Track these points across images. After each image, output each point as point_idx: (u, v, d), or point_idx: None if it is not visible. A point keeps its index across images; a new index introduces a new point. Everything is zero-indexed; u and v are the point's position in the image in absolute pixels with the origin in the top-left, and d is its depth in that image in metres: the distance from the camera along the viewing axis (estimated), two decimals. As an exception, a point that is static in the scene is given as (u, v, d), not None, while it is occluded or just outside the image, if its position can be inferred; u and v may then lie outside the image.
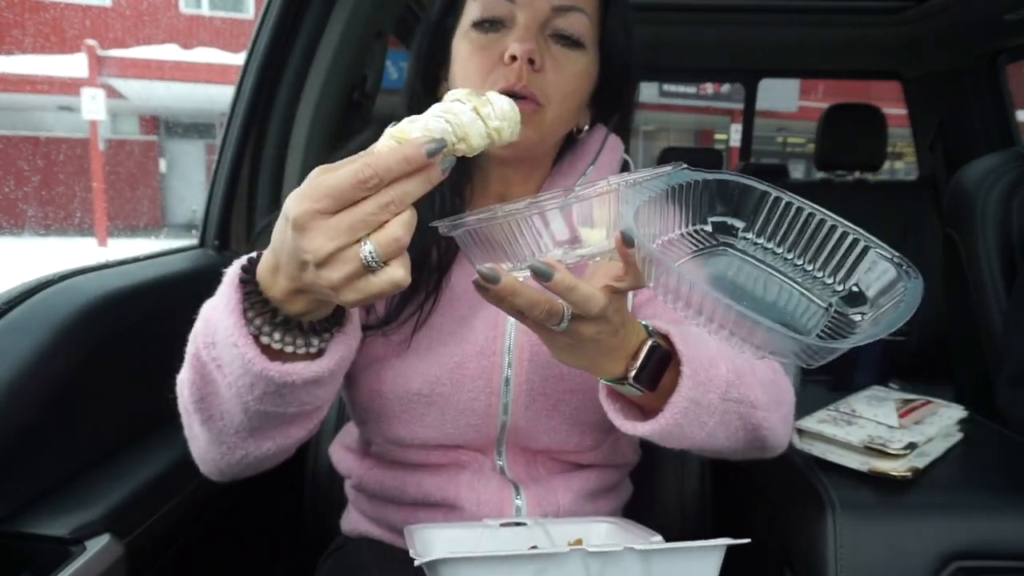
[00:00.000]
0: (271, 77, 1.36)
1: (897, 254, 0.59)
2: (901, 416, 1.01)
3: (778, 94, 11.18)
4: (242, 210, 1.38)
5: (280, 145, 1.42)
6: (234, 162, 1.34)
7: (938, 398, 1.12)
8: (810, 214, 0.61)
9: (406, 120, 0.54)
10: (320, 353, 0.62)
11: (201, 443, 0.70)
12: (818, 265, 0.62)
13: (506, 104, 0.58)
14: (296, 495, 1.20)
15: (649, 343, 0.67)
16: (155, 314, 0.98)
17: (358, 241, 0.51)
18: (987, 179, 1.37)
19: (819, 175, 2.92)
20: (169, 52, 9.07)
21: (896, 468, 0.89)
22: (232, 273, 0.60)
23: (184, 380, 0.67)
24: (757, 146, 3.51)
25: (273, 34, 1.33)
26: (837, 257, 0.61)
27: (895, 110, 2.97)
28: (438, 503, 0.86)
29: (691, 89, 13.28)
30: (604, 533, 0.81)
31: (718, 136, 14.43)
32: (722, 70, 3.45)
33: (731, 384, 0.70)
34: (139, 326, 0.95)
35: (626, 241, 0.56)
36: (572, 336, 0.63)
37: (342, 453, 0.98)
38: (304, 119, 1.43)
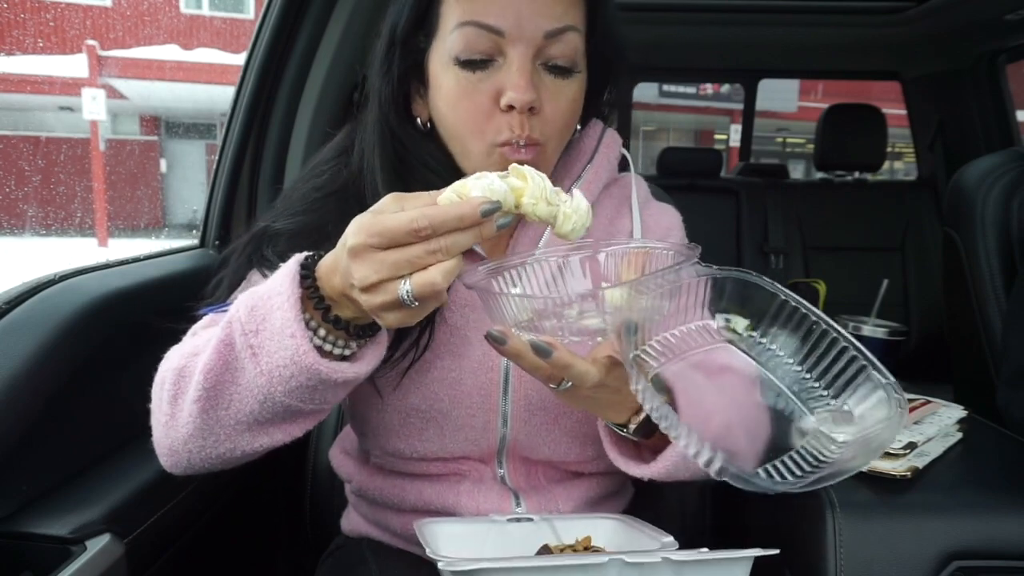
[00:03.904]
0: (271, 77, 1.36)
1: (892, 380, 0.60)
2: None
3: (778, 94, 11.17)
4: (242, 210, 1.38)
5: (280, 145, 1.42)
6: (234, 162, 1.35)
7: (938, 398, 1.12)
8: (815, 323, 0.63)
9: (472, 177, 0.58)
10: (351, 356, 0.65)
11: (181, 433, 0.67)
12: (815, 376, 0.64)
13: (584, 205, 0.62)
14: (296, 495, 1.20)
15: None
16: (156, 314, 0.98)
17: (401, 277, 0.56)
18: (987, 179, 1.37)
19: (819, 175, 2.92)
20: (169, 52, 9.06)
21: (896, 468, 0.88)
22: (291, 267, 0.62)
23: (198, 366, 0.65)
24: (757, 146, 3.51)
25: (273, 34, 1.33)
26: (834, 372, 0.63)
27: (895, 110, 2.97)
28: (438, 511, 0.86)
29: (691, 89, 13.27)
30: (611, 530, 0.81)
31: (718, 136, 14.42)
32: (722, 70, 3.45)
33: (720, 437, 0.74)
34: (140, 326, 0.95)
35: (625, 330, 0.61)
36: (571, 393, 0.68)
37: (342, 458, 0.98)
38: (304, 119, 1.43)
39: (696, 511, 1.15)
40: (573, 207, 0.61)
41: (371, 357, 0.66)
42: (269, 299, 0.62)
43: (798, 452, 0.62)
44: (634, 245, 0.68)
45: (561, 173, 0.88)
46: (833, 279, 2.26)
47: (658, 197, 1.04)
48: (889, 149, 2.81)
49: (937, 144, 2.73)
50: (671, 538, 0.73)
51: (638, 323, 0.62)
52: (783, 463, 0.62)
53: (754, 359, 0.68)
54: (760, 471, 0.60)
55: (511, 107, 0.73)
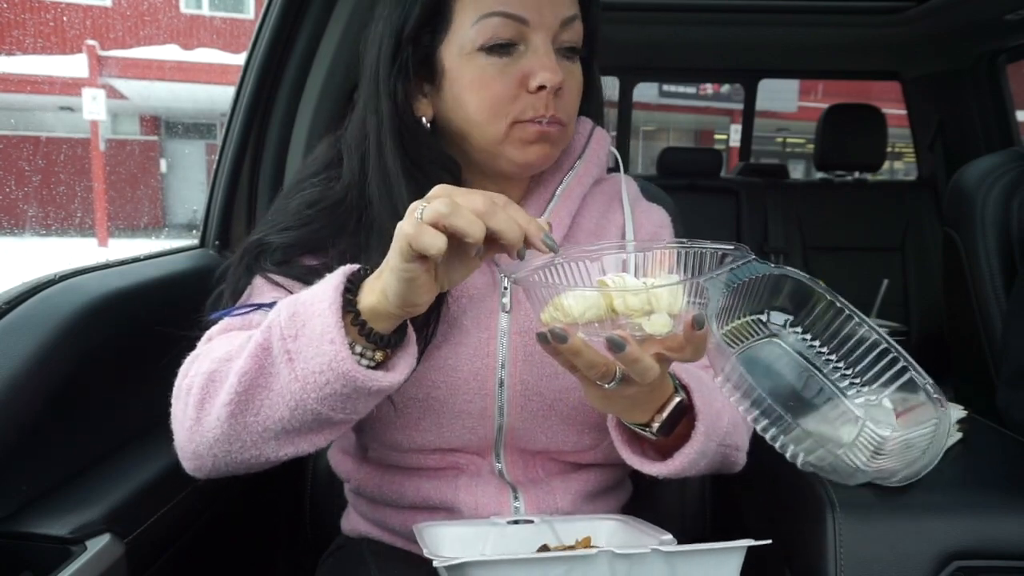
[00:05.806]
0: (271, 77, 1.36)
1: (931, 382, 0.62)
2: (899, 416, 1.01)
3: (778, 94, 11.18)
4: (242, 210, 1.38)
5: (280, 145, 1.42)
6: (234, 162, 1.35)
7: (938, 398, 1.12)
8: (857, 323, 0.66)
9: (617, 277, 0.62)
10: (384, 366, 0.67)
11: (207, 438, 0.68)
12: (855, 372, 0.67)
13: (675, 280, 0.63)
14: (296, 495, 1.20)
15: (676, 400, 0.72)
16: (156, 314, 0.98)
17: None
18: (987, 179, 1.37)
19: (819, 175, 2.92)
20: (170, 52, 9.07)
21: (896, 468, 0.88)
22: (336, 277, 0.65)
23: (232, 369, 0.66)
24: (757, 146, 3.51)
25: (273, 34, 1.33)
26: (875, 371, 0.66)
27: (895, 110, 2.97)
28: (436, 507, 0.86)
29: (691, 89, 13.27)
30: (611, 531, 0.81)
31: (718, 136, 14.42)
32: (722, 70, 3.45)
33: (728, 433, 0.77)
34: (140, 326, 0.95)
35: (696, 325, 0.61)
36: (613, 393, 0.67)
37: (340, 456, 0.98)
38: (304, 119, 1.43)
39: (696, 512, 1.15)
40: (663, 325, 0.62)
41: (403, 366, 0.67)
42: (311, 305, 0.63)
43: (852, 449, 0.63)
44: (674, 244, 0.68)
45: (551, 167, 0.88)
46: (833, 279, 2.25)
47: (658, 198, 1.04)
48: (889, 149, 2.81)
49: (937, 144, 2.73)
50: (670, 536, 0.73)
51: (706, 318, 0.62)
52: (847, 457, 0.63)
53: (799, 354, 0.69)
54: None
55: (541, 88, 0.77)
